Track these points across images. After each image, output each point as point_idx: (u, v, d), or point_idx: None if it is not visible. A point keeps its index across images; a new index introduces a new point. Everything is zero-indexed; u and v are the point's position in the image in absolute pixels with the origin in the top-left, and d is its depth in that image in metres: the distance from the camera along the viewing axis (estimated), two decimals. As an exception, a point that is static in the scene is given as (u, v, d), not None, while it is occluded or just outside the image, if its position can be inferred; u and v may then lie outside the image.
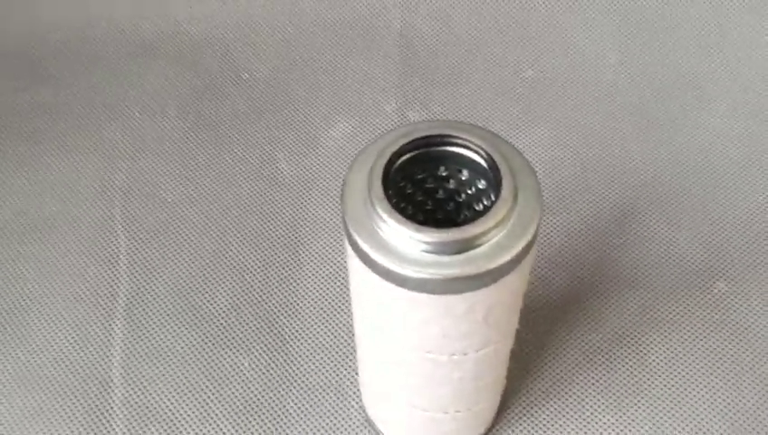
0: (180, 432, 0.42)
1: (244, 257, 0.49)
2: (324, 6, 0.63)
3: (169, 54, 0.62)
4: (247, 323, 0.46)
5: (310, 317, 0.46)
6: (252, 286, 0.48)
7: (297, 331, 0.46)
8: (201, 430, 0.42)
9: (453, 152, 0.29)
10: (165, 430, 0.42)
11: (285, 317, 0.46)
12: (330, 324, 0.46)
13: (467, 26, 0.62)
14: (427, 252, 0.26)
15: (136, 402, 0.43)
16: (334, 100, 0.58)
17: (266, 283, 0.48)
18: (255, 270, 0.49)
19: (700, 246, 0.49)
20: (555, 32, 0.61)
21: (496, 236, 0.26)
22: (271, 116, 0.57)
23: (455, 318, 0.28)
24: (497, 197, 0.27)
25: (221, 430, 0.42)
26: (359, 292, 0.30)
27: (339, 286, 0.48)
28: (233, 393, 0.43)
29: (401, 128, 0.29)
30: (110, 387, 0.44)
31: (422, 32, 0.62)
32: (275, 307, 0.47)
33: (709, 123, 0.55)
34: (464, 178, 0.31)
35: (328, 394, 0.43)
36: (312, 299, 0.47)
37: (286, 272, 0.48)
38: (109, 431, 0.42)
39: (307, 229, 0.51)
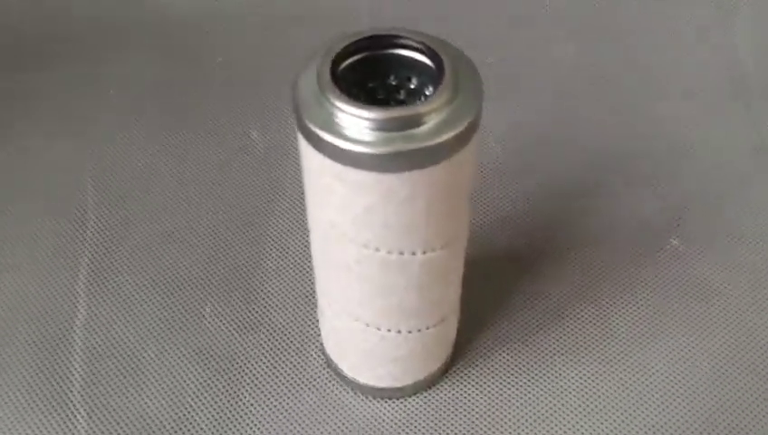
0: (138, 370, 0.42)
1: (213, 217, 0.50)
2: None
3: (146, 39, 0.64)
4: (212, 276, 0.47)
5: (274, 272, 0.47)
6: (219, 243, 0.49)
7: (260, 283, 0.47)
8: (159, 368, 0.42)
9: (399, 55, 0.31)
10: (123, 368, 0.42)
11: (249, 270, 0.47)
12: (293, 279, 0.47)
13: (436, 23, 0.65)
14: (372, 129, 0.28)
15: (95, 342, 0.44)
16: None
17: (234, 241, 0.49)
18: (224, 228, 0.50)
19: (655, 209, 0.50)
20: (519, 25, 0.65)
21: (437, 118, 0.28)
22: (244, 92, 0.59)
23: (397, 204, 0.29)
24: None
25: (179, 368, 0.42)
26: (310, 185, 0.31)
27: (303, 245, 0.49)
28: (192, 336, 0.44)
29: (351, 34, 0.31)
30: (71, 330, 0.44)
31: (391, 23, 0.64)
32: (241, 263, 0.48)
33: (660, 107, 0.58)
34: (413, 87, 0.32)
35: (288, 339, 0.44)
36: (278, 256, 0.48)
37: (254, 231, 0.50)
38: (68, 368, 0.42)
39: (276, 193, 0.52)
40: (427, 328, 0.37)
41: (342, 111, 0.28)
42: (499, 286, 0.46)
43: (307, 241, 0.48)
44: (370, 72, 0.32)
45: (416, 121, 0.28)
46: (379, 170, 0.28)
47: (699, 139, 0.56)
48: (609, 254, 0.48)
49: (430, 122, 0.28)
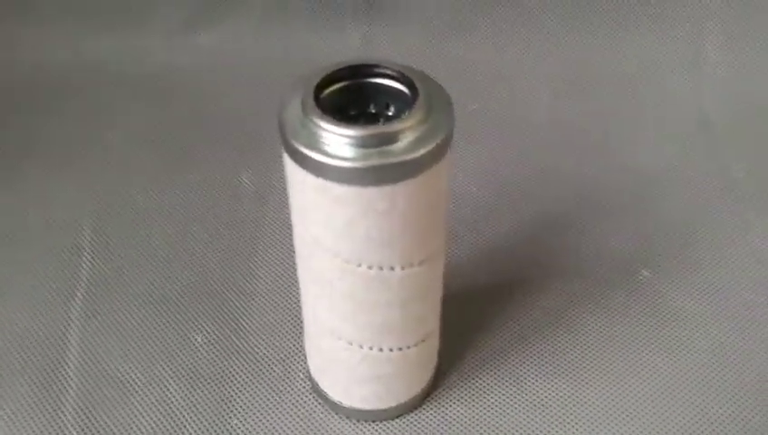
0: (130, 395, 0.44)
1: (203, 251, 0.53)
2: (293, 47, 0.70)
3: (147, 88, 0.68)
4: (202, 305, 0.49)
5: (262, 301, 0.49)
6: (209, 275, 0.51)
7: (250, 312, 0.48)
8: (150, 394, 0.44)
9: (377, 84, 0.34)
10: (116, 393, 0.44)
11: (239, 299, 0.49)
12: (281, 308, 0.49)
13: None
14: (351, 146, 0.30)
15: (89, 368, 0.45)
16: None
17: (223, 272, 0.51)
18: (213, 262, 0.52)
19: (627, 242, 0.53)
20: (500, 78, 0.69)
21: (412, 136, 0.30)
22: (237, 141, 0.63)
23: (377, 216, 0.31)
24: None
25: (169, 393, 0.44)
26: (296, 202, 0.34)
27: (291, 275, 0.51)
28: (183, 363, 0.45)
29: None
30: (65, 357, 0.46)
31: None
32: (230, 292, 0.50)
33: (633, 149, 0.61)
34: (390, 114, 0.35)
35: (275, 365, 0.45)
36: (266, 286, 0.50)
37: (242, 264, 0.52)
38: (63, 394, 0.44)
39: (265, 227, 0.54)
40: (409, 347, 0.39)
41: (324, 129, 0.30)
42: (477, 316, 0.48)
43: (295, 272, 0.50)
44: (352, 101, 0.34)
45: (392, 139, 0.30)
46: (359, 184, 0.30)
47: (667, 176, 0.58)
48: (581, 284, 0.50)
49: (405, 140, 0.30)
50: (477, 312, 0.48)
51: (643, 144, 0.62)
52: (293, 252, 0.51)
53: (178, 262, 0.52)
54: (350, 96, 0.34)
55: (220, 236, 0.54)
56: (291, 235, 0.53)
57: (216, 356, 0.46)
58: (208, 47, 0.73)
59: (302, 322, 0.45)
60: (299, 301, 0.48)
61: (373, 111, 0.35)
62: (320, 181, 0.31)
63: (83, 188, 0.58)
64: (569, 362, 0.45)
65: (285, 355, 0.46)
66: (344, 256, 0.33)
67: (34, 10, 0.73)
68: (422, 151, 0.30)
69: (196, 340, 0.47)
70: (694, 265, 0.51)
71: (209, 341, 0.47)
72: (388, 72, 0.33)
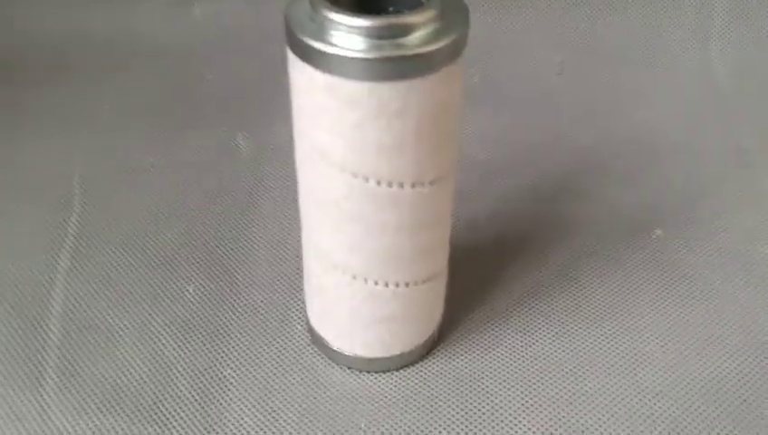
0: (117, 343, 0.41)
1: (198, 209, 0.50)
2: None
3: (141, 59, 0.66)
4: (196, 259, 0.46)
5: (258, 255, 0.47)
6: (203, 230, 0.49)
7: (245, 265, 0.46)
8: (138, 343, 0.41)
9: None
10: (101, 340, 0.41)
11: (234, 256, 0.47)
12: (278, 261, 0.46)
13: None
14: (364, 37, 0.28)
15: (74, 315, 0.42)
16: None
17: (218, 227, 0.49)
18: (207, 218, 0.49)
19: (640, 204, 0.51)
20: (506, 43, 0.68)
21: (427, 29, 0.29)
22: (232, 105, 0.61)
23: (388, 119, 0.29)
24: (430, 2, 0.29)
25: (159, 343, 0.41)
26: (300, 108, 0.32)
27: (287, 230, 0.49)
28: (174, 313, 0.43)
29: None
30: (49, 302, 0.43)
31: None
32: (224, 245, 0.47)
33: (644, 114, 0.60)
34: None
35: (272, 317, 0.43)
36: (262, 240, 0.48)
37: (237, 220, 0.49)
38: (44, 339, 0.41)
39: (260, 190, 0.52)
40: (416, 284, 0.36)
41: (334, 20, 0.28)
42: (484, 270, 0.46)
43: (292, 227, 0.48)
44: (361, 7, 0.33)
45: (405, 30, 0.28)
46: (371, 79, 0.28)
47: (679, 142, 0.57)
48: (594, 242, 0.48)
49: (419, 33, 0.28)
50: (485, 267, 0.46)
51: (652, 113, 0.60)
52: (290, 206, 0.49)
53: (171, 217, 0.49)
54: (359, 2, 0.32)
55: (215, 193, 0.52)
56: (287, 192, 0.52)
57: (209, 308, 0.43)
58: (202, 19, 0.71)
59: (300, 273, 0.43)
60: (296, 255, 0.46)
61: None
62: (328, 79, 0.29)
63: (75, 148, 0.56)
64: (580, 317, 0.43)
65: (282, 308, 0.43)
66: (352, 169, 0.31)
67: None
68: (438, 45, 0.28)
69: (188, 291, 0.44)
70: (705, 226, 0.49)
71: (202, 293, 0.44)
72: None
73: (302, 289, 0.43)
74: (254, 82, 0.63)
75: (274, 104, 0.60)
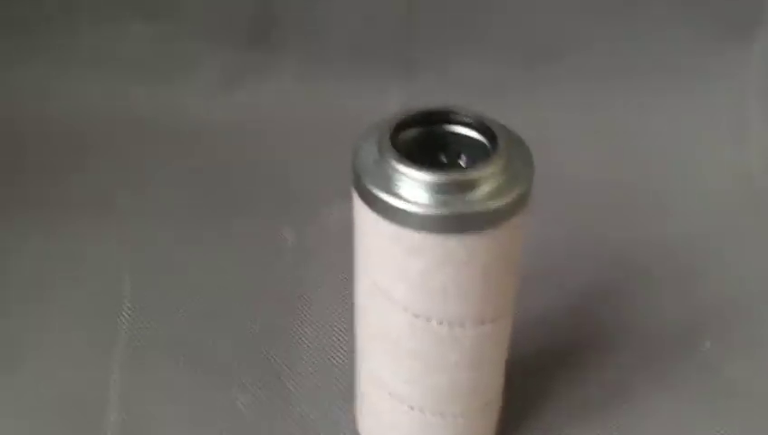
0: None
1: (245, 310, 0.50)
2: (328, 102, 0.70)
3: (183, 143, 0.67)
4: (246, 368, 0.46)
5: (308, 362, 0.47)
6: (252, 335, 0.49)
7: (295, 373, 0.46)
8: (192, 456, 0.41)
9: (451, 132, 0.33)
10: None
11: (284, 362, 0.47)
12: (327, 368, 0.46)
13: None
14: (430, 192, 0.28)
15: (130, 428, 0.43)
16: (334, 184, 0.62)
17: (267, 332, 0.49)
18: (256, 321, 0.50)
19: (687, 311, 0.51)
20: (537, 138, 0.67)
21: (494, 183, 0.29)
22: (276, 193, 0.61)
23: (455, 266, 0.30)
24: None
25: (212, 457, 0.41)
26: (364, 250, 0.32)
27: (337, 336, 0.49)
28: (227, 425, 0.43)
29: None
30: (104, 415, 0.43)
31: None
32: (275, 353, 0.47)
33: (682, 213, 0.60)
34: (463, 165, 0.34)
35: (322, 429, 0.43)
36: (311, 347, 0.48)
37: (286, 323, 0.50)
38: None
39: (308, 288, 0.52)
40: (471, 411, 0.36)
41: (401, 172, 0.29)
42: (537, 382, 0.45)
43: (341, 338, 0.48)
44: (423, 149, 0.33)
45: (472, 185, 0.29)
46: (436, 232, 0.29)
47: (720, 251, 0.56)
48: (641, 356, 0.48)
49: (486, 187, 0.29)
50: (535, 381, 0.46)
51: (691, 209, 0.60)
52: (339, 309, 0.49)
53: (220, 318, 0.50)
54: (423, 144, 0.33)
55: (262, 292, 0.52)
56: (334, 291, 0.52)
57: (261, 419, 0.43)
58: (245, 104, 0.72)
59: (351, 384, 0.43)
60: (346, 363, 0.46)
61: (444, 160, 0.34)
62: (394, 228, 0.29)
63: (122, 239, 0.56)
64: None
65: (333, 419, 0.43)
66: (415, 310, 0.31)
67: (67, 60, 0.72)
68: (505, 201, 0.29)
69: (239, 401, 0.44)
70: (757, 339, 0.49)
71: (253, 402, 0.44)
72: (465, 119, 0.32)
73: (352, 401, 0.43)
74: (297, 170, 0.64)
75: (319, 192, 0.61)
